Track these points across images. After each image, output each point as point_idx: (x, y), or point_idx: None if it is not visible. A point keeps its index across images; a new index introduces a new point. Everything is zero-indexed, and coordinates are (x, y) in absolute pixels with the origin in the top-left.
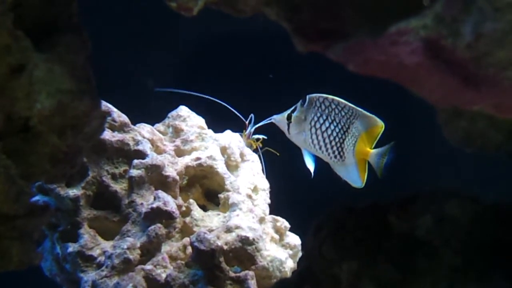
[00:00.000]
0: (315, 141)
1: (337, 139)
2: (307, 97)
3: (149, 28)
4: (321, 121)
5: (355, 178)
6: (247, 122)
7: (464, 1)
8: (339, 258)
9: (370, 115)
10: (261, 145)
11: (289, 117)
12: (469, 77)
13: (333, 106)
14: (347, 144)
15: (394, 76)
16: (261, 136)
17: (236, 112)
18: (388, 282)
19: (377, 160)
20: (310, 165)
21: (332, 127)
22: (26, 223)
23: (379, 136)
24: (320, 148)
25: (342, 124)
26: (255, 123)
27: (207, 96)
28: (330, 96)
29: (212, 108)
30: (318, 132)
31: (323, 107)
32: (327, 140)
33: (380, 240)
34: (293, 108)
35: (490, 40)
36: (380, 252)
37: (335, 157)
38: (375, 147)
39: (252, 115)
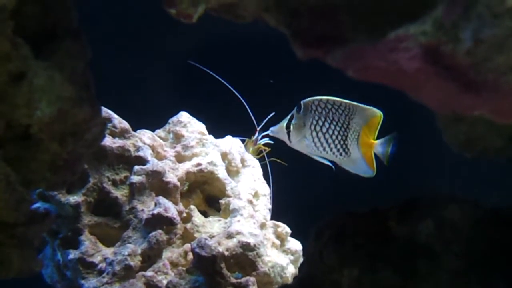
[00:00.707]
0: (318, 144)
1: (339, 138)
2: (302, 103)
3: (150, 34)
4: (320, 123)
5: (365, 169)
6: (258, 128)
7: (463, 7)
8: (340, 264)
9: (367, 107)
10: (266, 149)
11: (287, 126)
12: (468, 83)
13: (329, 107)
14: (350, 140)
15: (393, 82)
16: (268, 141)
17: (251, 115)
18: None
19: (382, 150)
20: (325, 161)
21: (333, 127)
22: (27, 231)
23: (379, 126)
24: (325, 149)
25: (342, 122)
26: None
27: (233, 90)
28: (324, 97)
29: (213, 113)
30: (320, 134)
31: (319, 109)
32: (330, 141)
33: (380, 245)
34: (289, 117)
35: (490, 45)
36: (381, 257)
37: (341, 154)
38: (377, 136)
39: (273, 113)
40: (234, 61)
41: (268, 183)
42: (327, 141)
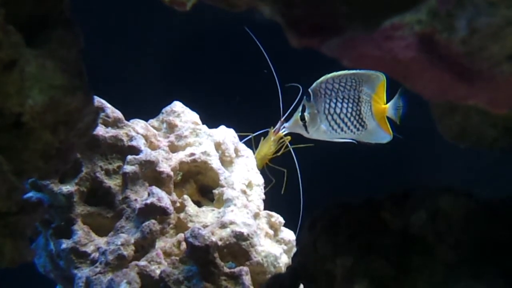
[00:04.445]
0: (336, 127)
1: (354, 114)
2: (310, 90)
3: (143, 22)
4: (333, 105)
5: (382, 135)
6: (282, 119)
7: None
8: (333, 254)
9: (370, 73)
10: (289, 138)
11: (302, 118)
12: (463, 72)
13: (337, 86)
14: (365, 112)
15: (388, 71)
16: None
17: (281, 104)
18: (382, 278)
19: (395, 112)
20: (345, 140)
21: (345, 105)
22: (19, 220)
23: (385, 89)
24: (343, 129)
25: (352, 97)
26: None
27: (275, 75)
28: (328, 77)
29: (206, 103)
30: (335, 116)
31: (328, 92)
32: (346, 119)
33: (374, 236)
34: (301, 109)
35: (485, 34)
36: (374, 248)
37: (358, 130)
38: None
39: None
40: (228, 50)
41: (295, 173)
42: (343, 121)
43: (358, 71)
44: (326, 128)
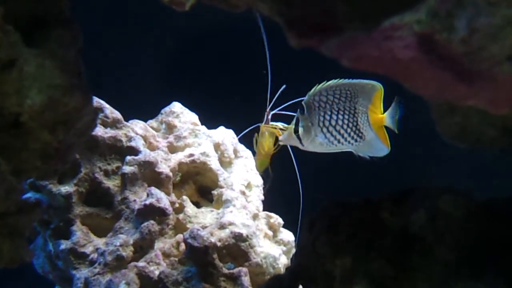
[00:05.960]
0: (332, 139)
1: (350, 125)
2: (303, 103)
3: (142, 22)
4: (328, 117)
5: (381, 147)
6: (267, 109)
7: None
8: (333, 254)
9: (365, 82)
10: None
11: (296, 131)
12: (463, 72)
13: (331, 98)
14: (361, 123)
15: (388, 71)
16: (280, 124)
17: (268, 98)
18: (381, 278)
19: (392, 120)
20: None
21: (341, 117)
22: (17, 220)
23: (383, 98)
24: (339, 141)
25: (348, 108)
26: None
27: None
28: (322, 88)
29: (205, 104)
30: (331, 128)
31: (322, 104)
32: (342, 131)
33: (373, 236)
34: (294, 121)
35: (484, 34)
36: (374, 248)
37: (356, 141)
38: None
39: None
40: (227, 51)
41: (293, 168)
42: (339, 133)
43: (352, 81)
44: (322, 141)
